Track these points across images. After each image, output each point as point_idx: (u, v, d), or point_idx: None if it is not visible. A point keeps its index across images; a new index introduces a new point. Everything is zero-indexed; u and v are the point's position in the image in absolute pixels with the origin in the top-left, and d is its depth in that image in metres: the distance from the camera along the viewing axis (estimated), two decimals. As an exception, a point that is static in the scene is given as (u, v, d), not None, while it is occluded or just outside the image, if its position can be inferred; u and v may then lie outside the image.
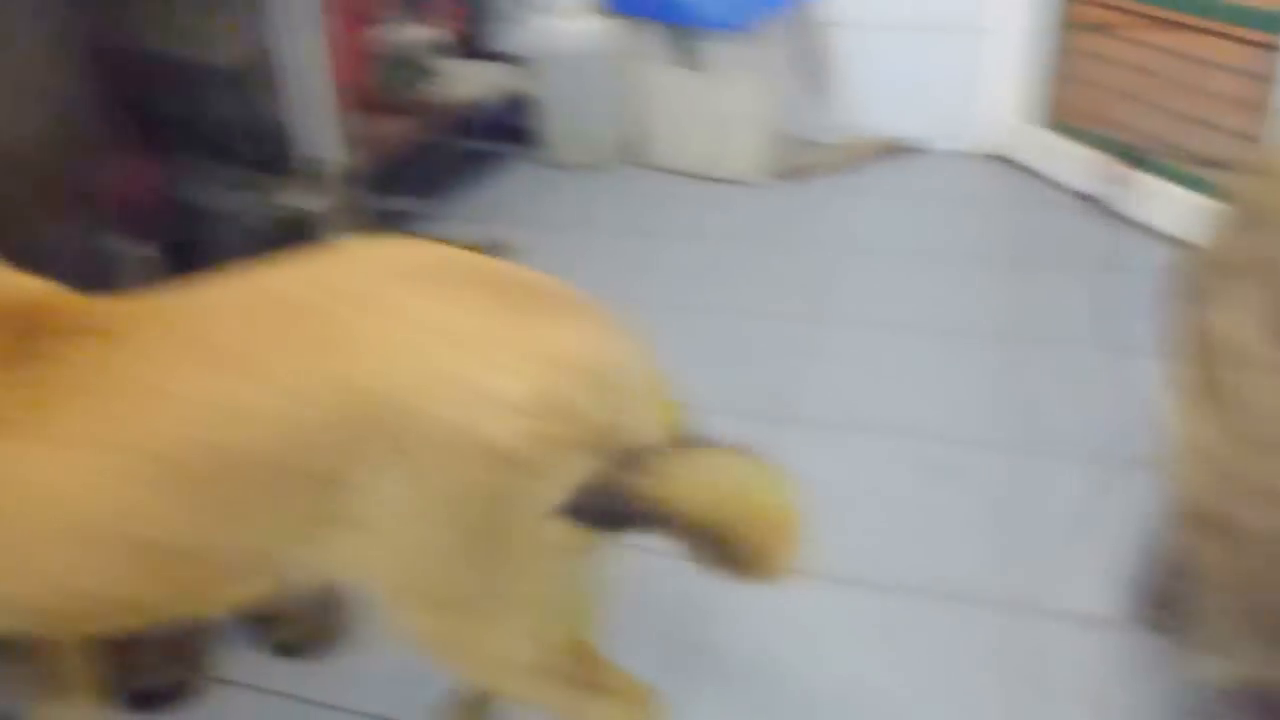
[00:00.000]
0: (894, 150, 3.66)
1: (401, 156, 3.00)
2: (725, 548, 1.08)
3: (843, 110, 3.70)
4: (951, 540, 1.98)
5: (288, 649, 1.72)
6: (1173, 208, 2.93)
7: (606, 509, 1.03)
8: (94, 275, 1.24)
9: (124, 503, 1.00)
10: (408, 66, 3.23)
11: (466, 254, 1.11)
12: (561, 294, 1.10)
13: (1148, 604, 1.68)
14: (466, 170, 3.63)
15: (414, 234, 2.88)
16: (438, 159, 3.43)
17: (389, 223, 2.99)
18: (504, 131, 3.81)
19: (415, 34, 3.38)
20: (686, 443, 1.11)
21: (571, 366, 1.02)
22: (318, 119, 1.62)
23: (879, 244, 3.13)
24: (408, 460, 0.97)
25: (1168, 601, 1.56)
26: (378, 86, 3.10)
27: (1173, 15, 2.96)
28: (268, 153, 1.61)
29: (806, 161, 3.59)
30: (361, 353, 0.99)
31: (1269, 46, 2.73)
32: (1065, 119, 3.39)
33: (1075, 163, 3.29)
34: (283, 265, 1.09)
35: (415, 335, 1.00)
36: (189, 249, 1.63)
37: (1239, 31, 2.80)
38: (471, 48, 3.69)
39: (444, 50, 3.50)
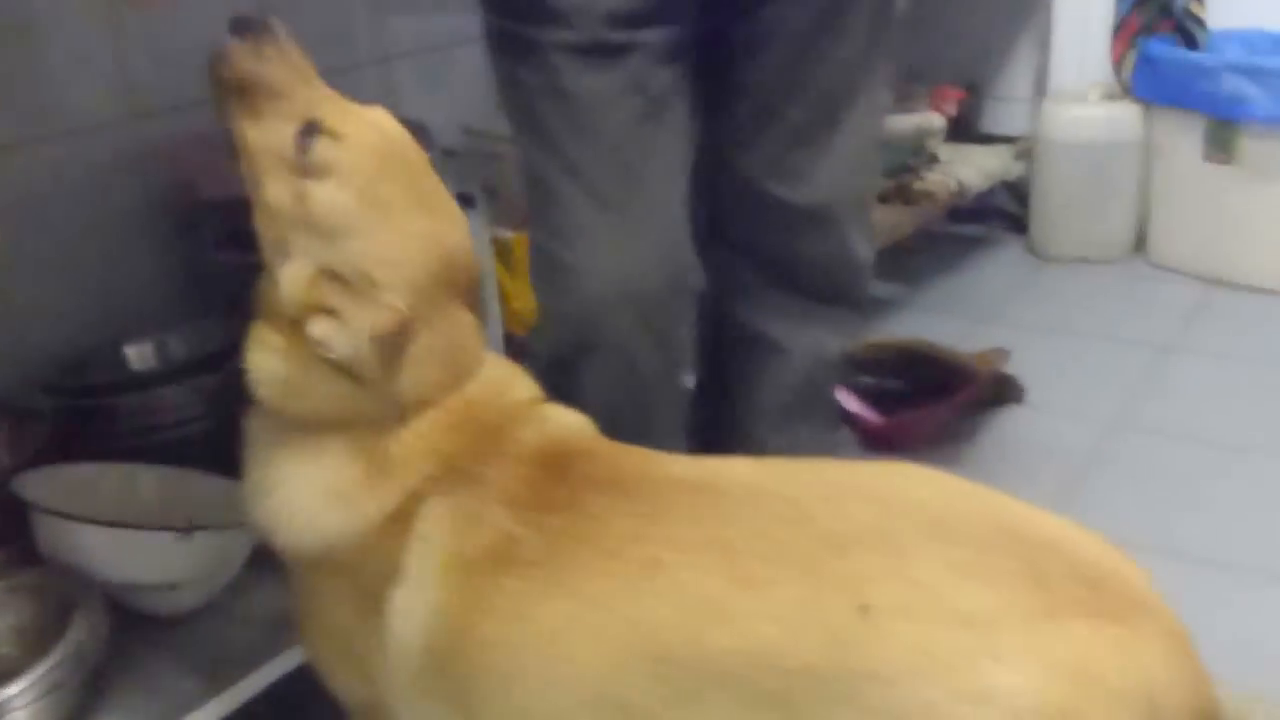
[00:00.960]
0: None
1: (889, 244, 2.90)
2: None
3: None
4: None
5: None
6: None
7: None
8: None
9: (605, 662, 1.00)
10: (905, 153, 3.14)
11: (1010, 506, 0.98)
12: (1112, 581, 0.92)
13: None
14: (948, 257, 3.48)
15: (901, 335, 2.77)
16: (920, 245, 3.31)
17: (873, 312, 2.91)
18: (992, 217, 3.62)
19: (913, 120, 3.29)
20: None
21: (1098, 681, 0.86)
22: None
23: None
24: None
25: None
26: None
27: None
28: (835, 288, 1.60)
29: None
30: (860, 605, 0.91)
31: None
32: None
33: None
34: (811, 466, 1.06)
35: (919, 598, 0.90)
36: (731, 376, 1.65)
37: None
38: (967, 131, 3.54)
39: (940, 135, 3.38)
